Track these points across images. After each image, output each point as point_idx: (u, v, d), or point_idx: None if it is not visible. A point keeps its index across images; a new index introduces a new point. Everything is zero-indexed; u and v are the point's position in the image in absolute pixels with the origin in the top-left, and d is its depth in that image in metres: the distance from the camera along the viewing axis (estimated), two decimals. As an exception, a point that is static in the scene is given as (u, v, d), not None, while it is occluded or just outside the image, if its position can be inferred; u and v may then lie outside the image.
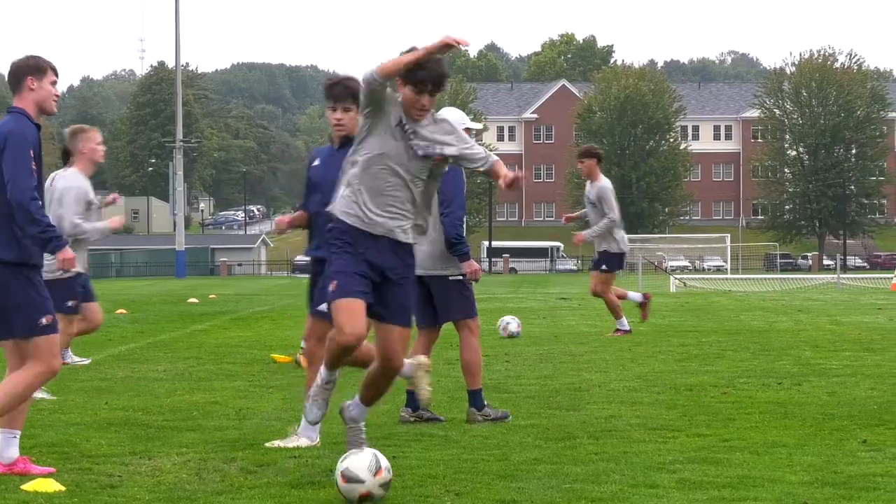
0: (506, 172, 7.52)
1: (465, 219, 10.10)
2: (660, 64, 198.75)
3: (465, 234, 10.04)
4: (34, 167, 7.61)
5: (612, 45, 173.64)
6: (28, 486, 7.14)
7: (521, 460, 8.12)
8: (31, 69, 7.83)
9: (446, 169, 7.92)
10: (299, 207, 9.45)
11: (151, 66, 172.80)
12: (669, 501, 6.80)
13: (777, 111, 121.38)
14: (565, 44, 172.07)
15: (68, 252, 7.70)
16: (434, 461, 8.04)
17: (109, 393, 11.96)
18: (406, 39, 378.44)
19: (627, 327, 18.80)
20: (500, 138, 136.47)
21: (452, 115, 10.17)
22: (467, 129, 10.15)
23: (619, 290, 19.22)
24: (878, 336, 18.87)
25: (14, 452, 7.74)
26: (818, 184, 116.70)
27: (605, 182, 18.08)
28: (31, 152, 7.61)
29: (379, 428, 9.57)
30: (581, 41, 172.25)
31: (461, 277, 10.03)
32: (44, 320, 7.62)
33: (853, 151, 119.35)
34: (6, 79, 8.12)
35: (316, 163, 9.16)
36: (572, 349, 16.74)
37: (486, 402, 10.06)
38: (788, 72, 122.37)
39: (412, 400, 9.97)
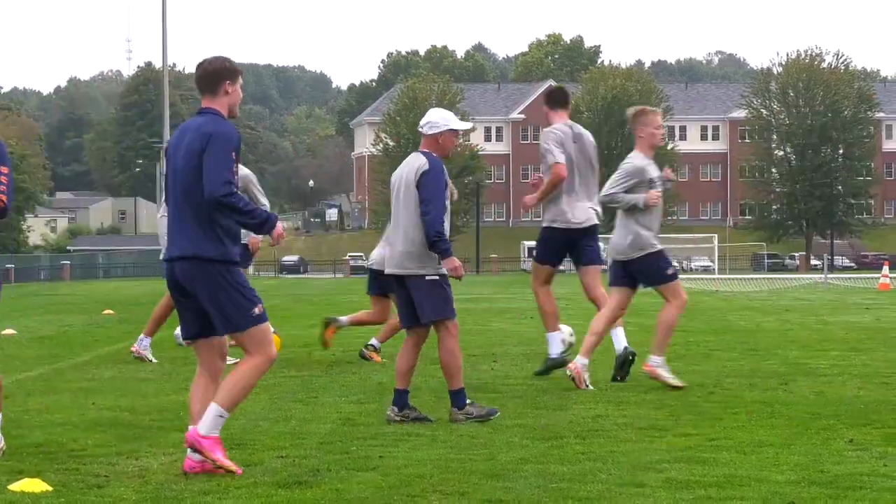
0: None
1: (447, 217, 9.99)
2: (647, 64, 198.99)
3: (447, 233, 9.94)
4: (236, 168, 7.58)
5: (599, 46, 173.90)
6: (15, 486, 7.13)
7: (508, 460, 8.12)
8: (229, 73, 7.74)
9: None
10: None
11: (138, 66, 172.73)
12: (656, 501, 6.81)
13: (764, 111, 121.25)
14: (552, 44, 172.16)
15: (279, 227, 7.75)
16: (421, 461, 8.04)
17: (97, 393, 11.95)
18: (393, 40, 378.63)
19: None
20: (488, 139, 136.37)
21: (438, 114, 10.15)
22: (453, 130, 10.13)
23: None
24: (865, 336, 18.91)
25: None
26: (805, 184, 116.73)
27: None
28: (234, 154, 7.57)
29: (366, 427, 9.58)
30: (568, 41, 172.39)
31: (437, 277, 9.95)
32: (256, 311, 7.68)
33: (840, 152, 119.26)
34: (200, 79, 7.78)
35: None
36: (560, 349, 16.70)
37: (468, 400, 10.01)
38: (775, 72, 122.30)
39: (399, 398, 9.96)
